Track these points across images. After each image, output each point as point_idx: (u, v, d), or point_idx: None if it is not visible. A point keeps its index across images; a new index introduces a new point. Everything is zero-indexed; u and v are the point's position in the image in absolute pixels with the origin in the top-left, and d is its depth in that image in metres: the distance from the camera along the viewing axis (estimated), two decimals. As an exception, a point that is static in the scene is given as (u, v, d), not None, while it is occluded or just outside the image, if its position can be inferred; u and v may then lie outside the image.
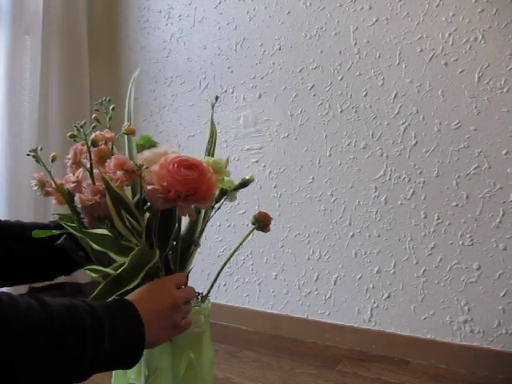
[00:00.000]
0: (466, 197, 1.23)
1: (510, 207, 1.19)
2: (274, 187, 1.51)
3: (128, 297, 0.56)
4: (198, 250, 0.70)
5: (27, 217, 1.63)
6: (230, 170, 0.65)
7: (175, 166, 0.55)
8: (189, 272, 0.67)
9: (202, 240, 0.70)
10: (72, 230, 0.62)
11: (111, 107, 0.63)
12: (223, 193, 0.65)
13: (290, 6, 1.47)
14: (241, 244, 0.67)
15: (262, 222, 0.67)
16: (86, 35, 1.86)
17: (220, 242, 1.54)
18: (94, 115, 0.63)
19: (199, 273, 1.53)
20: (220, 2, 1.60)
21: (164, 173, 0.55)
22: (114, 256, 0.57)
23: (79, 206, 0.58)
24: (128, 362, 0.53)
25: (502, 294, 1.20)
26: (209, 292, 0.68)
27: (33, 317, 0.42)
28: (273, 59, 1.50)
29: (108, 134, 0.61)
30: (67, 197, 0.62)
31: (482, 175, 1.21)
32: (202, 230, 0.68)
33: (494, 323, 1.21)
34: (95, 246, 0.57)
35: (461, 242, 1.24)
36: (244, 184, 0.66)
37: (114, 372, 0.69)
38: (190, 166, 0.56)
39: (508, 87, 1.17)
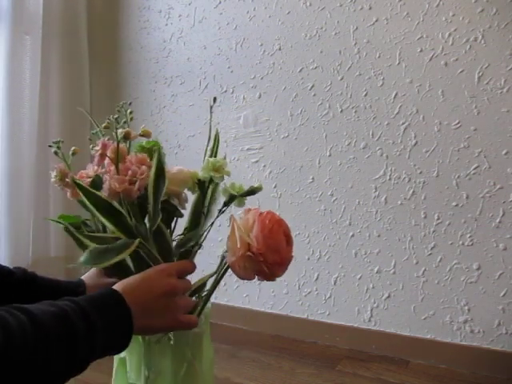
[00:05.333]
0: (465, 197, 1.23)
1: (510, 207, 1.19)
2: (274, 187, 1.51)
3: (121, 283, 0.56)
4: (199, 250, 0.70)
5: (27, 217, 1.63)
6: (229, 170, 0.66)
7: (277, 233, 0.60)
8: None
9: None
10: (76, 233, 0.62)
11: (129, 111, 0.65)
12: (232, 198, 0.66)
13: (290, 5, 1.47)
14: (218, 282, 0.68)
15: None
16: (86, 35, 1.86)
17: (220, 242, 1.54)
18: (110, 117, 0.65)
19: (199, 273, 1.52)
20: (220, 2, 1.61)
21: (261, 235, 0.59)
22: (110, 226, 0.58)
23: (106, 193, 0.59)
24: (117, 350, 0.54)
25: (502, 294, 1.20)
26: (205, 304, 0.69)
27: (28, 339, 0.43)
28: (273, 59, 1.50)
29: (134, 132, 0.64)
30: (91, 186, 0.63)
31: (482, 175, 1.21)
32: (207, 232, 0.68)
33: (494, 323, 1.21)
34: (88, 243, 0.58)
35: (461, 242, 1.24)
36: (252, 192, 0.66)
37: (114, 372, 0.69)
38: (288, 238, 0.62)
39: (508, 87, 1.17)
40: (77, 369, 0.48)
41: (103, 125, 0.65)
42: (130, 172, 0.60)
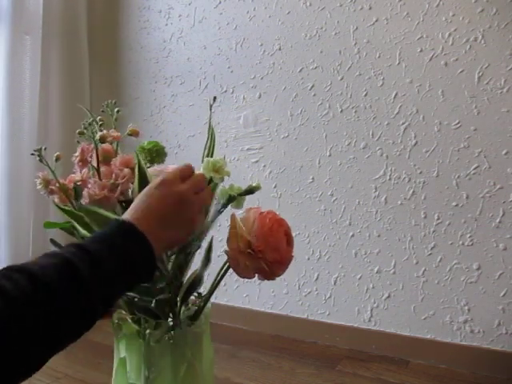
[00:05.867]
0: (465, 197, 1.23)
1: (510, 207, 1.19)
2: (274, 187, 1.51)
3: (127, 213, 0.53)
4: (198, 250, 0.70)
5: (27, 217, 1.63)
6: (230, 170, 0.65)
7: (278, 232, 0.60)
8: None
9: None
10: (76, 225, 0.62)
11: (116, 110, 0.64)
12: (231, 199, 0.66)
13: (290, 5, 1.47)
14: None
15: None
16: (86, 35, 1.86)
17: (220, 241, 1.54)
18: (99, 116, 0.64)
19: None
20: (220, 2, 1.60)
21: (260, 232, 0.59)
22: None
23: (87, 201, 0.58)
24: (145, 278, 0.52)
25: (502, 294, 1.20)
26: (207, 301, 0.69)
27: (31, 301, 0.40)
28: (273, 59, 1.50)
29: (114, 133, 0.63)
30: (70, 195, 0.63)
31: (482, 175, 1.21)
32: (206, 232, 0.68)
33: (494, 323, 1.21)
34: (81, 231, 0.58)
35: (461, 242, 1.24)
36: (250, 191, 0.66)
37: (114, 372, 0.69)
38: (288, 238, 0.62)
39: (508, 87, 1.17)
40: (100, 310, 0.45)
41: (77, 131, 0.63)
42: (113, 175, 0.59)
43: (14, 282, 0.39)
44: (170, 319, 0.66)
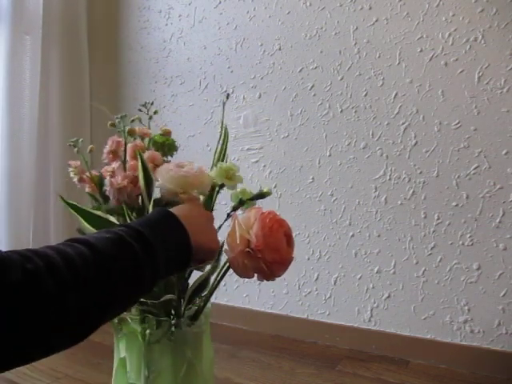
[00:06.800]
0: (465, 197, 1.23)
1: (510, 207, 1.19)
2: (274, 187, 1.51)
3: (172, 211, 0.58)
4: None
5: (27, 216, 1.63)
6: (242, 176, 0.66)
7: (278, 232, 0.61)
8: None
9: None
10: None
11: (154, 110, 0.68)
12: (242, 203, 0.66)
13: (290, 5, 1.47)
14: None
15: None
16: (86, 35, 1.86)
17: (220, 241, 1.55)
18: (136, 116, 0.71)
19: (200, 272, 1.53)
20: (220, 2, 1.60)
21: (261, 233, 0.59)
22: None
23: (108, 188, 0.61)
24: (182, 265, 0.55)
25: (502, 294, 1.20)
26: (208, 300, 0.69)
27: (89, 266, 0.43)
28: (273, 59, 1.50)
29: (145, 130, 0.66)
30: (98, 184, 0.67)
31: (482, 175, 1.21)
32: None
33: (494, 323, 1.21)
34: (85, 224, 0.59)
35: (461, 242, 1.24)
36: (261, 196, 0.66)
37: (114, 372, 0.69)
38: (289, 239, 0.63)
39: (508, 87, 1.17)
40: (143, 288, 0.49)
41: (109, 122, 0.68)
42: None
43: (75, 249, 0.44)
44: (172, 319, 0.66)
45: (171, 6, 1.72)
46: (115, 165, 0.65)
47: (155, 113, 0.70)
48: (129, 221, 0.64)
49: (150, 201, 0.62)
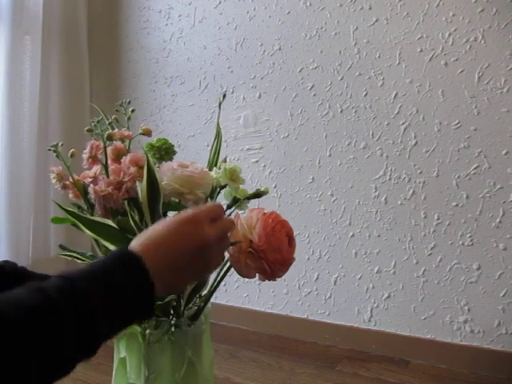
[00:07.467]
0: (465, 197, 1.23)
1: (510, 207, 1.19)
2: (274, 187, 1.51)
3: (140, 239, 0.48)
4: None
5: (27, 216, 1.63)
6: (243, 178, 0.65)
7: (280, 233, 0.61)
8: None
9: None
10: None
11: (131, 109, 0.66)
12: (236, 201, 0.65)
13: (290, 5, 1.47)
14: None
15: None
16: (86, 35, 1.86)
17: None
18: (114, 116, 0.66)
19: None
20: (220, 2, 1.60)
21: (264, 234, 0.59)
22: (107, 244, 0.58)
23: (93, 196, 0.59)
24: (141, 317, 0.46)
25: (502, 294, 1.20)
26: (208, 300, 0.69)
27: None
28: (273, 59, 1.50)
29: (125, 132, 0.64)
30: (82, 190, 0.65)
31: (481, 175, 1.21)
32: None
33: (494, 323, 1.21)
34: (88, 233, 0.58)
35: (461, 242, 1.24)
36: (258, 195, 0.66)
37: (114, 372, 0.69)
38: (290, 239, 0.62)
39: (508, 87, 1.17)
40: (81, 355, 0.42)
41: (86, 128, 0.64)
42: (121, 173, 0.59)
43: None
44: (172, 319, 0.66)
45: (171, 6, 1.72)
46: (95, 169, 0.62)
47: (132, 111, 0.67)
48: (131, 222, 0.62)
49: (158, 203, 0.60)
